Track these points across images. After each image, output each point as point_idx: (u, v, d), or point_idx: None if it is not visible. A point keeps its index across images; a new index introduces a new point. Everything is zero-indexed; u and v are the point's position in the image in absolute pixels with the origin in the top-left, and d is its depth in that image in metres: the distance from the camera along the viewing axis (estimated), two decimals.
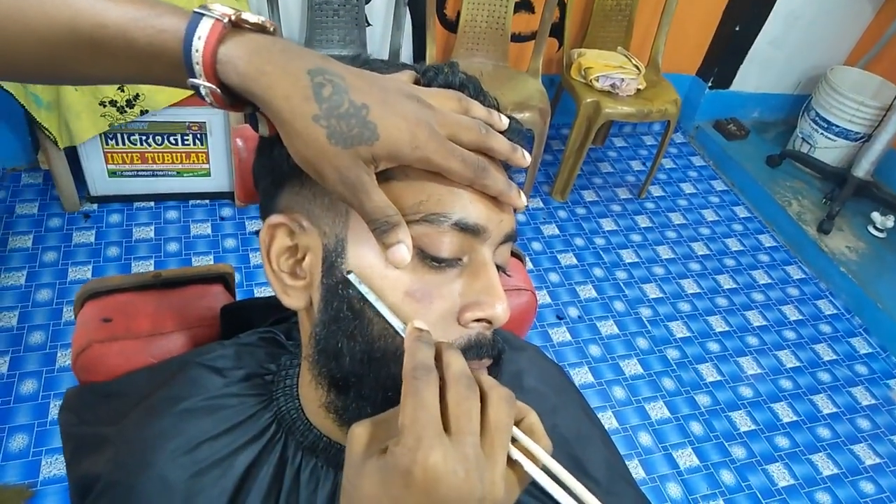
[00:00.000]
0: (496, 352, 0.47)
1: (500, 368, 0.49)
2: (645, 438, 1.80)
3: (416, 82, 0.46)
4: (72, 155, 1.92)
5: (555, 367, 0.69)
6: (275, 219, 0.47)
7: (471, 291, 0.44)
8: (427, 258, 0.43)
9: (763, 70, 2.85)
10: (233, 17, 0.39)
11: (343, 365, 0.45)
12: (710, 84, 2.85)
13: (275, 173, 0.48)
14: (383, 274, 0.43)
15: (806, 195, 2.65)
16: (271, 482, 0.51)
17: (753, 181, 2.69)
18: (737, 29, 2.69)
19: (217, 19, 0.38)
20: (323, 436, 0.51)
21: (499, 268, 0.48)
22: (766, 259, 2.46)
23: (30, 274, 1.85)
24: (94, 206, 2.07)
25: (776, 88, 2.95)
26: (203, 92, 0.39)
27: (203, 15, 0.38)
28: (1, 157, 2.12)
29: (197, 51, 0.38)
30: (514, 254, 0.82)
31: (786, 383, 2.03)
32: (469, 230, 0.43)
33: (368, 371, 0.44)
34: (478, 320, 0.45)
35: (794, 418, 1.94)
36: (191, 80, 0.39)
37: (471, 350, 0.44)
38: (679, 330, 2.12)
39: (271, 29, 0.41)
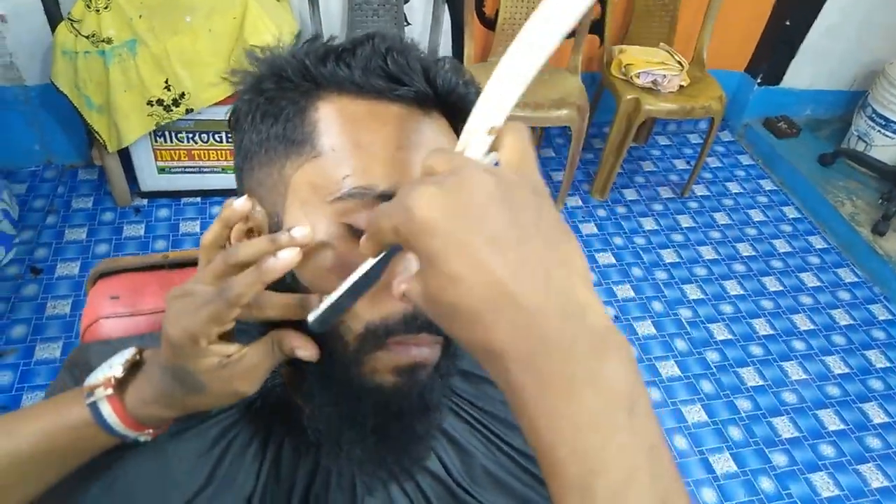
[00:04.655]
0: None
1: (454, 354, 0.49)
2: (680, 442, 1.76)
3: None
4: (123, 152, 2.00)
5: None
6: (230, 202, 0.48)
7: (403, 263, 0.43)
8: (357, 233, 0.42)
9: (816, 65, 2.74)
10: (114, 380, 0.45)
11: None
12: (759, 80, 2.76)
13: (238, 154, 0.50)
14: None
15: (860, 195, 2.54)
16: (254, 456, 0.51)
17: (804, 181, 2.59)
18: (788, 23, 2.60)
19: (108, 395, 0.45)
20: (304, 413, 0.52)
21: None
22: (815, 261, 2.37)
23: (83, 264, 1.95)
24: (144, 201, 2.16)
25: (830, 84, 2.84)
26: (143, 438, 0.47)
27: (96, 400, 0.45)
28: (60, 155, 2.24)
29: (117, 425, 0.45)
30: None
31: (833, 390, 1.95)
32: None
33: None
34: None
35: (842, 427, 1.86)
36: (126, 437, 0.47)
37: (407, 324, 0.44)
38: (720, 332, 2.07)
39: (138, 357, 0.47)
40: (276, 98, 0.47)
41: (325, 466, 0.52)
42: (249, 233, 0.47)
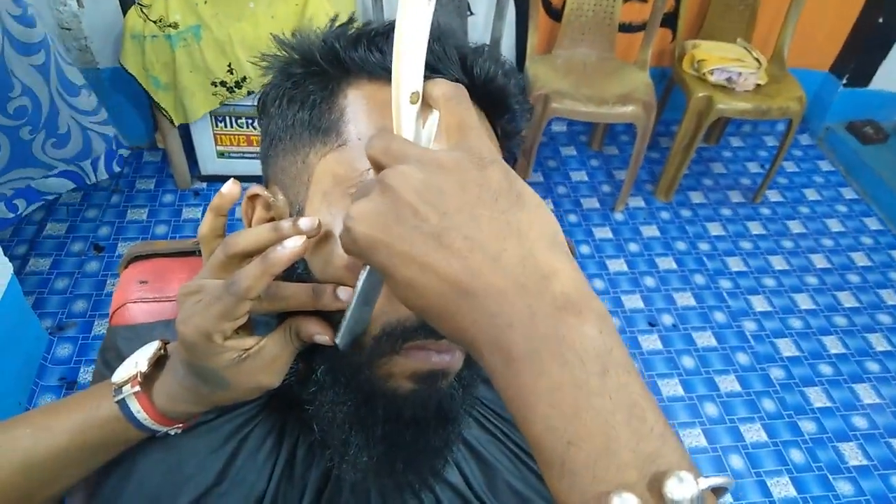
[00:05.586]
0: None
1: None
2: (736, 461, 1.67)
3: None
4: (185, 135, 2.04)
5: None
6: (253, 190, 0.46)
7: None
8: None
9: None
10: (140, 377, 0.45)
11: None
12: (844, 81, 2.58)
13: (265, 140, 0.48)
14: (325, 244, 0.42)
15: None
16: (267, 455, 0.50)
17: (890, 191, 2.41)
18: (880, 20, 2.41)
19: (136, 392, 0.44)
20: None
21: None
22: None
23: None
24: (204, 184, 2.19)
25: None
26: (172, 431, 0.48)
27: (124, 397, 0.45)
28: (126, 136, 2.29)
29: (146, 420, 0.45)
30: None
31: None
32: None
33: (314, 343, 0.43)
34: None
35: None
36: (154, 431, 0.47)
37: (426, 328, 0.41)
38: (787, 348, 1.95)
39: (162, 351, 0.47)
40: (303, 83, 0.45)
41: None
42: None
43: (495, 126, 0.47)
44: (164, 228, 2.05)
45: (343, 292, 0.40)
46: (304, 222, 0.39)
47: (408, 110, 0.35)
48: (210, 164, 2.13)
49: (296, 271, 0.43)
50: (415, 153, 0.32)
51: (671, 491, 0.25)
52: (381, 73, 0.43)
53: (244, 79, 1.88)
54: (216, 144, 2.08)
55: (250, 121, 2.02)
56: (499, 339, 0.29)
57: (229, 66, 1.86)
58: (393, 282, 0.31)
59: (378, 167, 0.33)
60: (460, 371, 0.45)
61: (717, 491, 0.28)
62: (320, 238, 0.41)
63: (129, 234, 2.02)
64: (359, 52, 0.43)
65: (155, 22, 1.77)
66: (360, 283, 0.37)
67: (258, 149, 2.08)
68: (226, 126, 2.03)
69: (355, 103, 0.43)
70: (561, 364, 0.28)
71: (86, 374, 1.67)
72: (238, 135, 2.06)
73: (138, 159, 2.28)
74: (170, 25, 1.77)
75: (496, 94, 0.44)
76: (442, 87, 0.35)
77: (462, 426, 0.49)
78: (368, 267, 0.37)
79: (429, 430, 0.45)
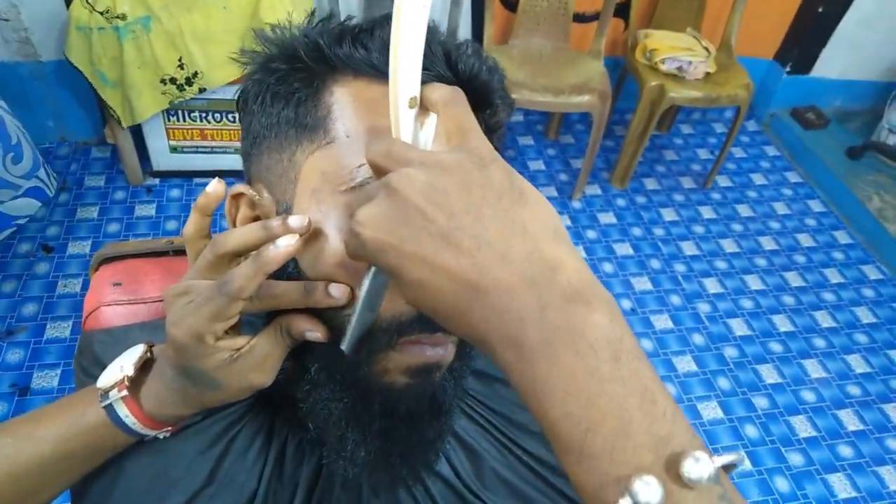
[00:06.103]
0: None
1: (469, 355, 0.46)
2: None
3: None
4: (136, 130, 1.98)
5: None
6: (237, 188, 0.46)
7: None
8: None
9: (849, 55, 2.65)
10: (126, 381, 0.44)
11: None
12: (788, 69, 2.68)
13: (247, 138, 0.47)
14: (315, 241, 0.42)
15: (889, 190, 2.46)
16: (256, 455, 0.50)
17: (831, 174, 2.52)
18: (820, 10, 2.51)
19: (123, 396, 0.44)
20: None
21: None
22: (840, 257, 2.30)
23: (94, 243, 1.94)
24: (156, 180, 2.14)
25: (863, 75, 2.74)
26: (161, 435, 0.47)
27: (112, 402, 0.44)
28: (73, 132, 2.22)
29: (135, 424, 0.45)
30: None
31: (854, 389, 1.90)
32: None
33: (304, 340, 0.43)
34: None
35: (861, 427, 1.81)
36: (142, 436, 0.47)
37: (422, 322, 0.41)
38: (739, 328, 2.02)
39: (148, 354, 0.47)
40: (287, 80, 0.45)
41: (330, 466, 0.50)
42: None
43: (479, 121, 0.47)
44: (116, 227, 2.00)
45: (335, 289, 0.40)
46: (294, 221, 0.39)
47: (406, 115, 0.36)
48: (163, 159, 2.08)
49: (286, 270, 0.43)
50: (417, 156, 0.32)
51: (689, 471, 0.26)
52: (367, 69, 0.43)
53: (195, 74, 1.83)
54: (169, 139, 2.03)
55: (204, 115, 1.98)
56: (511, 333, 0.30)
57: (180, 60, 1.81)
58: (403, 283, 0.32)
59: (379, 171, 0.34)
60: (452, 363, 0.45)
61: (727, 467, 0.29)
62: (310, 236, 0.41)
63: (79, 234, 1.96)
64: (343, 49, 0.43)
65: (102, 13, 1.71)
66: (363, 291, 0.37)
67: (213, 143, 2.05)
68: (178, 120, 1.98)
69: (342, 101, 0.43)
70: (574, 354, 0.29)
71: (39, 379, 1.62)
72: (191, 129, 2.01)
73: (86, 155, 2.21)
74: (118, 17, 1.71)
75: (480, 90, 0.44)
76: (440, 91, 0.36)
77: (454, 418, 0.50)
78: (371, 273, 0.37)
79: (423, 423, 0.46)
